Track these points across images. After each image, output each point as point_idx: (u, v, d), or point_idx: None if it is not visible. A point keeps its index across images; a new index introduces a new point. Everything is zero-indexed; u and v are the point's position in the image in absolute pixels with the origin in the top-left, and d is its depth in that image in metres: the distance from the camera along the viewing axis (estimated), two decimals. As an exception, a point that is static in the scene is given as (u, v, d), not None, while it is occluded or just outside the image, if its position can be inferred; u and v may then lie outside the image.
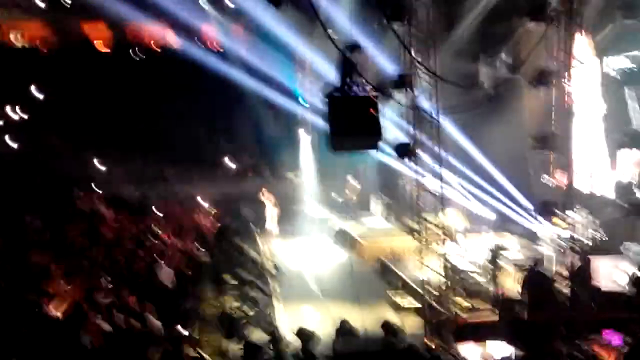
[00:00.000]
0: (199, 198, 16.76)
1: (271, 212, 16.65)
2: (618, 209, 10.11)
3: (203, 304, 10.86)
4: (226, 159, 19.78)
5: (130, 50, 20.14)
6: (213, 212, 16.28)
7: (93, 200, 16.04)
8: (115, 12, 16.85)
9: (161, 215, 15.43)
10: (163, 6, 16.82)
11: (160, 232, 13.54)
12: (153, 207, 15.75)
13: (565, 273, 9.64)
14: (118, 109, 18.48)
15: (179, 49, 19.12)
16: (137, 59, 20.13)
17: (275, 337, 8.13)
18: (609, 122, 11.40)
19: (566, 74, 11.24)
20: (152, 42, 20.14)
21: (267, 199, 16.74)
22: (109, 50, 20.16)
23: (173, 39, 19.63)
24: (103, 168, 18.86)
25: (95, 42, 20.07)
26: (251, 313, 9.90)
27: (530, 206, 11.97)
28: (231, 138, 19.96)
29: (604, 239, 10.48)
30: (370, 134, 8.24)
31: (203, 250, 13.18)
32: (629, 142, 10.60)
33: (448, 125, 11.57)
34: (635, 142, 10.45)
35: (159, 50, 20.11)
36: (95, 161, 18.78)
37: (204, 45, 19.84)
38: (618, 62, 11.40)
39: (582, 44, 12.06)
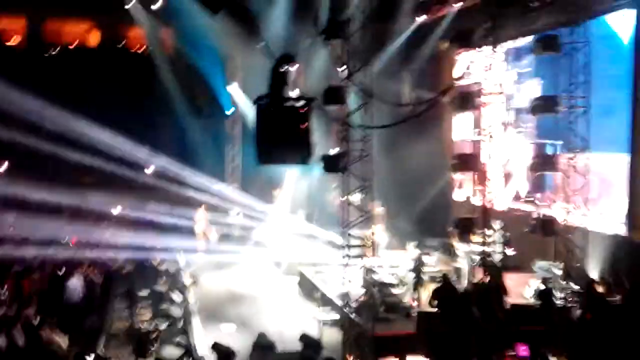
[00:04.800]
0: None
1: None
2: (528, 225, 10.64)
3: (112, 318, 10.20)
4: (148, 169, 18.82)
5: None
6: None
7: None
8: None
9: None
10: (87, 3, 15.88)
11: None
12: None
13: (477, 287, 9.95)
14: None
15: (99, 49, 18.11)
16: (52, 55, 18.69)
17: (188, 352, 7.76)
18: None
19: (486, 98, 11.88)
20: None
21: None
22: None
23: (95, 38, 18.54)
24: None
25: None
26: (163, 327, 9.38)
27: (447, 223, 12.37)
28: (154, 146, 19.01)
29: (515, 255, 11.00)
30: (301, 149, 7.94)
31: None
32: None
33: (375, 141, 11.69)
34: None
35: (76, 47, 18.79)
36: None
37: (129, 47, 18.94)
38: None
39: (503, 70, 12.78)
